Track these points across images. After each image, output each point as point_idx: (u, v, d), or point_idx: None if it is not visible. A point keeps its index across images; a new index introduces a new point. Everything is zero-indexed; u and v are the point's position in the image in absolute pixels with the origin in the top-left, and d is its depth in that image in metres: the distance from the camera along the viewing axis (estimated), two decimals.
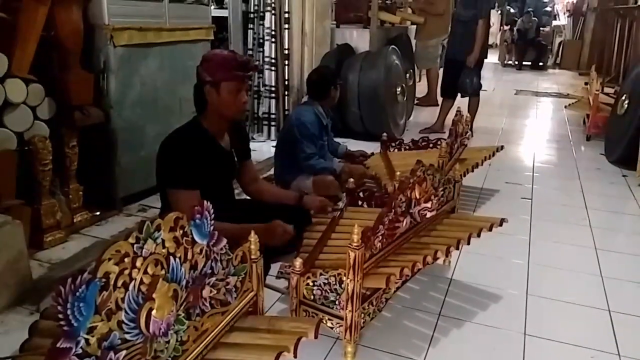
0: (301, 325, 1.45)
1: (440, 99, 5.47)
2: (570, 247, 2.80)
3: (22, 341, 1.41)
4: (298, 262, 1.73)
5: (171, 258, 1.14)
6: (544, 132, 5.73)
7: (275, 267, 2.07)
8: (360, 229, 1.58)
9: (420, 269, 1.83)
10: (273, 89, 4.70)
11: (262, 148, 4.44)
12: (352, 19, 5.67)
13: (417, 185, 1.89)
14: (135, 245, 1.05)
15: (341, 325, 1.71)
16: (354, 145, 3.85)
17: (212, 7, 4.05)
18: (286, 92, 4.80)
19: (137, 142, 3.01)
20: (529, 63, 11.61)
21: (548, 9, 14.69)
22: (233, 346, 1.35)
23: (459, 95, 5.01)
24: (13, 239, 2.08)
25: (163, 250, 1.12)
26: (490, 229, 2.11)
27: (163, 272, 1.12)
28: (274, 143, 3.65)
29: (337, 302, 1.69)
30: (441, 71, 5.59)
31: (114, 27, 2.74)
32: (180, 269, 1.17)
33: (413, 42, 6.37)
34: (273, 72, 4.66)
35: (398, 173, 2.61)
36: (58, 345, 0.91)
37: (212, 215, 1.27)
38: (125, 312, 1.03)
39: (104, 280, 0.98)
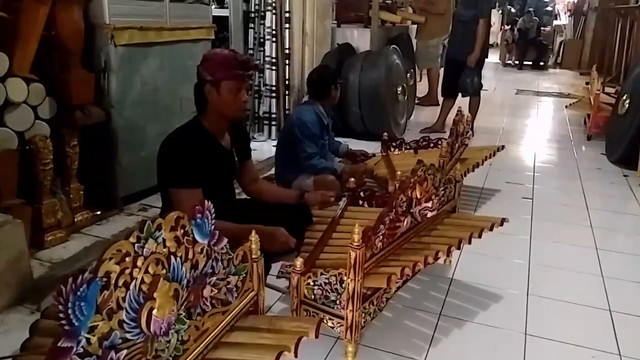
0: (302, 325, 1.45)
1: (440, 99, 5.47)
2: (571, 247, 2.80)
3: (22, 340, 1.41)
4: (299, 261, 1.73)
5: (172, 257, 1.14)
6: (545, 131, 5.73)
7: (275, 267, 2.07)
8: (361, 229, 1.58)
9: (421, 268, 1.83)
10: (274, 88, 4.70)
11: (263, 148, 4.44)
12: (353, 18, 5.68)
13: (418, 185, 1.89)
14: (136, 245, 1.05)
15: (342, 325, 1.70)
16: (354, 144, 3.85)
17: (213, 6, 4.05)
18: (287, 92, 4.80)
19: (137, 142, 3.01)
20: (530, 63, 11.61)
21: (549, 8, 14.68)
22: (234, 346, 1.35)
23: (460, 94, 5.00)
24: (14, 239, 2.08)
25: (164, 250, 1.12)
26: (491, 229, 2.11)
27: (164, 271, 1.12)
28: (275, 143, 3.65)
29: (337, 302, 1.69)
30: (442, 71, 5.59)
31: (115, 27, 2.74)
32: (181, 269, 1.17)
33: (414, 41, 6.37)
34: (274, 72, 4.66)
35: (399, 173, 2.61)
36: (59, 344, 0.91)
37: (213, 215, 1.27)
38: (126, 311, 1.03)
39: (104, 279, 0.98)
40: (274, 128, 4.77)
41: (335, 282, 1.67)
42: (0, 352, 1.65)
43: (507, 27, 12.69)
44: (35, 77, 2.41)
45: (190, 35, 3.31)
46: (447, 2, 6.39)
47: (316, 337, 1.41)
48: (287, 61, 4.73)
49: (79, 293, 0.92)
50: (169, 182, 1.82)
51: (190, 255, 1.20)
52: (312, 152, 2.87)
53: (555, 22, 13.50)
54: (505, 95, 8.02)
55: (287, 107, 4.80)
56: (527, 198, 3.51)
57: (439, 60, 6.67)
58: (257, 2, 4.64)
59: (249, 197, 2.27)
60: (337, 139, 3.47)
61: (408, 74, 5.51)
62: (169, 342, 1.16)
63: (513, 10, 14.87)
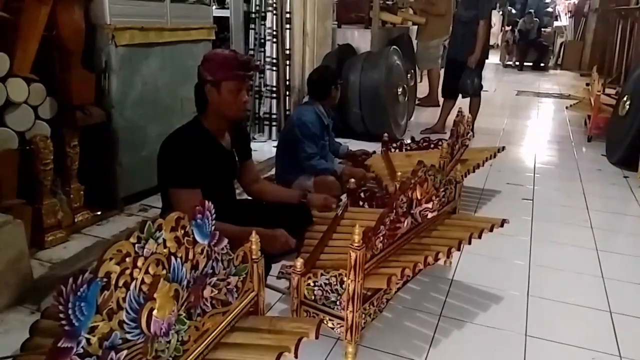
0: (302, 326, 1.44)
1: (441, 100, 5.47)
2: (571, 248, 2.80)
3: (22, 341, 1.40)
4: (299, 262, 1.72)
5: (172, 258, 1.14)
6: (545, 133, 5.73)
7: (276, 268, 2.07)
8: (361, 230, 1.58)
9: (421, 269, 1.83)
10: (274, 89, 4.70)
11: (263, 148, 4.44)
12: (354, 19, 5.68)
13: (418, 186, 1.89)
14: (136, 245, 1.05)
15: (342, 326, 1.70)
16: (355, 145, 3.85)
17: (214, 7, 4.05)
18: (287, 92, 4.80)
19: (138, 142, 3.01)
20: (530, 64, 11.61)
21: (549, 9, 14.70)
22: (234, 346, 1.35)
23: (460, 95, 5.00)
24: (14, 239, 2.08)
25: (164, 250, 1.12)
26: (491, 230, 2.11)
27: (164, 272, 1.12)
28: (275, 143, 3.65)
29: (338, 303, 1.69)
30: (442, 72, 5.59)
31: (116, 27, 2.74)
32: (182, 269, 1.17)
33: (414, 42, 6.37)
34: (274, 72, 4.66)
35: (399, 173, 2.60)
36: (59, 344, 0.91)
37: (214, 215, 1.27)
38: (127, 311, 1.03)
39: (105, 279, 0.98)
40: (274, 129, 4.77)
41: (335, 283, 1.67)
42: (0, 352, 1.65)
43: (507, 28, 12.70)
44: (35, 77, 2.41)
45: (191, 35, 3.31)
46: (448, 3, 6.40)
47: (316, 337, 1.40)
48: (287, 62, 4.73)
49: (79, 293, 0.92)
50: (169, 182, 1.82)
51: (190, 256, 1.20)
52: (312, 152, 2.87)
53: (555, 23, 13.50)
54: (506, 96, 8.02)
55: (287, 108, 4.80)
56: (528, 199, 3.51)
57: (440, 61, 6.67)
58: (257, 3, 4.64)
59: (249, 198, 2.27)
60: (337, 139, 3.47)
61: (408, 75, 5.51)
62: (169, 342, 1.15)
63: (514, 11, 14.89)
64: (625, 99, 4.50)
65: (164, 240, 1.12)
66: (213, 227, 1.27)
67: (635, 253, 2.76)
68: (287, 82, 4.78)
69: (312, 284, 1.72)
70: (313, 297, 1.74)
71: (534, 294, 2.30)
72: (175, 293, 1.15)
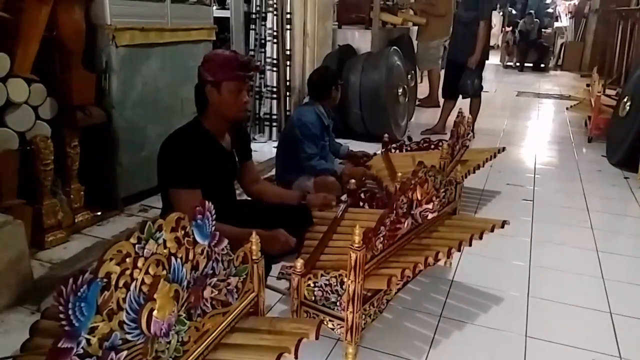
0: (302, 326, 1.44)
1: (441, 100, 5.47)
2: (571, 249, 2.80)
3: (23, 341, 1.41)
4: (299, 263, 1.72)
5: (172, 258, 1.14)
6: (546, 133, 5.73)
7: (276, 268, 2.07)
8: (361, 230, 1.57)
9: (421, 270, 1.83)
10: (274, 89, 4.70)
11: (264, 149, 4.44)
12: (354, 19, 5.68)
13: (418, 187, 1.89)
14: (136, 246, 1.05)
15: (342, 327, 1.70)
16: (355, 146, 3.84)
17: (214, 7, 4.05)
18: (288, 93, 4.80)
19: (138, 142, 3.01)
20: (531, 64, 11.61)
21: (550, 10, 14.70)
22: (234, 347, 1.35)
23: (461, 96, 5.00)
24: (14, 239, 2.08)
25: (164, 251, 1.12)
26: (491, 231, 2.11)
27: (164, 272, 1.11)
28: (275, 144, 3.65)
29: (338, 303, 1.69)
30: (443, 72, 5.59)
31: (116, 27, 2.74)
32: (182, 270, 1.17)
33: (415, 43, 6.37)
34: (275, 73, 4.66)
35: (399, 174, 2.60)
36: (59, 345, 0.91)
37: (214, 216, 1.27)
38: (127, 312, 1.03)
39: (105, 280, 0.98)
40: (274, 129, 4.77)
41: (335, 284, 1.67)
42: (0, 352, 1.65)
43: (508, 29, 12.70)
44: (36, 77, 2.41)
45: (191, 36, 3.32)
46: (448, 3, 6.40)
47: (316, 338, 1.40)
48: (288, 62, 4.73)
49: (79, 294, 0.92)
50: (169, 182, 1.82)
51: (190, 256, 1.20)
52: (312, 152, 2.87)
53: (556, 24, 13.50)
54: (506, 97, 8.02)
55: (287, 108, 4.80)
56: (528, 200, 3.51)
57: (440, 62, 6.67)
58: (258, 3, 4.64)
59: (249, 198, 2.27)
60: (337, 140, 3.47)
61: (409, 76, 5.51)
62: (169, 343, 1.15)
63: (514, 12, 14.90)
64: (625, 100, 4.50)
65: (164, 241, 1.12)
66: (213, 228, 1.27)
67: (636, 254, 2.76)
68: (288, 83, 4.78)
69: (312, 285, 1.72)
70: (313, 298, 1.74)
71: (534, 295, 2.30)
72: (175, 293, 1.15)
